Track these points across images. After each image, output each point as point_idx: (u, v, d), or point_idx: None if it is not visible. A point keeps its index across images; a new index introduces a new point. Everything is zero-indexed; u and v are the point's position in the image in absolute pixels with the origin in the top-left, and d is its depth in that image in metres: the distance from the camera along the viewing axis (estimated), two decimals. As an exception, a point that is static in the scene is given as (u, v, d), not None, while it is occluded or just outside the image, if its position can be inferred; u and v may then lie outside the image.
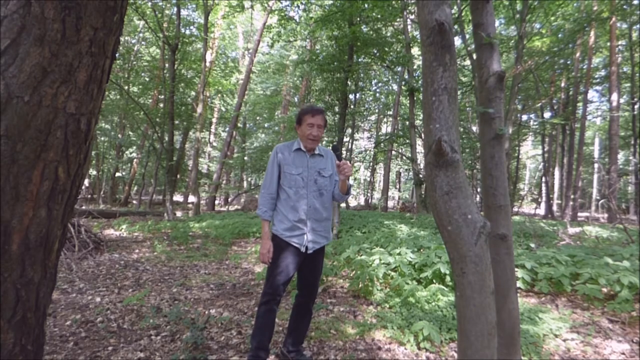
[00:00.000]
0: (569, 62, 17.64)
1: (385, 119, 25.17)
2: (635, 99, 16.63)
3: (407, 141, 14.49)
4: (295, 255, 2.22)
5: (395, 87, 18.73)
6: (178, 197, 21.07)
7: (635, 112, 16.65)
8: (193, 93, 16.40)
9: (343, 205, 18.31)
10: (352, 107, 14.59)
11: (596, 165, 24.71)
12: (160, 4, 13.84)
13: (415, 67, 12.80)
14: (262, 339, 2.19)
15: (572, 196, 17.23)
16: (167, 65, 13.79)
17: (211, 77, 15.92)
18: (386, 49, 10.59)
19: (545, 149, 20.18)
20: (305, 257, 2.26)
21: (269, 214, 2.26)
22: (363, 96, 18.70)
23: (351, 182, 2.33)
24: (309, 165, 2.29)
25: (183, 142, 17.46)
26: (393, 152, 19.51)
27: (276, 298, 2.21)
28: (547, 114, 19.92)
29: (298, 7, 11.42)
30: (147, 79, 17.01)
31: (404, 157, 20.52)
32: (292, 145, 2.32)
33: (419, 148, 17.15)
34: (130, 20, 16.00)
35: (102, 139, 19.08)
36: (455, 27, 10.12)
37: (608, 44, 15.77)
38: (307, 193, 2.25)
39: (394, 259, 4.16)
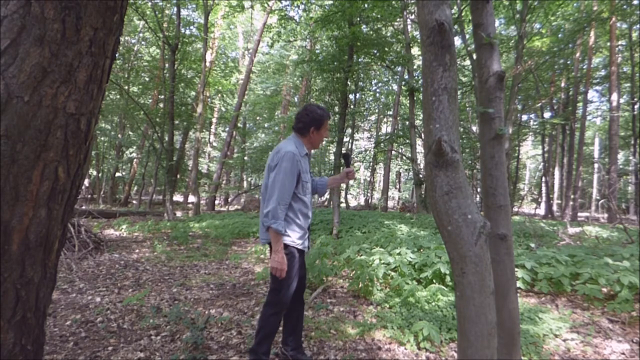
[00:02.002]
0: (569, 62, 17.63)
1: (385, 119, 25.18)
2: (635, 99, 16.63)
3: (407, 141, 14.49)
4: (303, 259, 2.27)
5: (395, 87, 18.74)
6: (178, 197, 21.07)
7: (635, 112, 16.65)
8: (193, 93, 16.41)
9: (343, 205, 18.31)
10: (352, 107, 14.59)
11: (596, 165, 24.72)
12: (160, 4, 13.85)
13: (415, 67, 12.79)
14: (269, 345, 2.20)
15: (572, 196, 17.23)
16: (167, 65, 13.80)
17: (211, 77, 15.92)
18: (386, 49, 10.58)
19: (545, 149, 20.18)
20: None
21: (284, 227, 2.09)
22: (363, 96, 18.71)
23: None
24: (309, 169, 2.32)
25: (183, 142, 17.46)
26: (393, 152, 19.52)
27: (286, 307, 2.23)
28: (547, 114, 19.92)
29: (298, 7, 11.41)
30: (147, 79, 17.01)
31: (404, 157, 20.54)
32: (299, 149, 2.19)
33: (419, 148, 17.16)
34: (130, 20, 16.00)
35: (102, 139, 19.09)
36: (455, 27, 10.12)
37: (608, 44, 15.77)
38: (310, 197, 2.28)
39: (394, 259, 4.16)
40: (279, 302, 2.16)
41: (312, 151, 2.51)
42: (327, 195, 23.59)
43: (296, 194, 2.15)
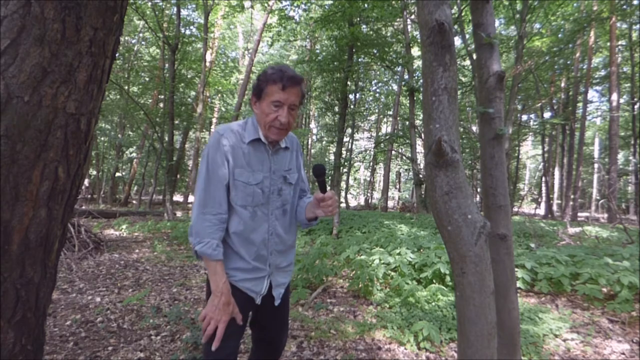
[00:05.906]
0: (569, 62, 17.65)
1: (385, 119, 25.20)
2: (635, 99, 16.63)
3: (407, 141, 14.49)
4: (248, 306, 1.38)
5: (395, 87, 18.75)
6: (178, 197, 21.07)
7: (635, 112, 16.65)
8: (193, 93, 16.41)
9: (343, 205, 18.29)
10: (352, 107, 14.61)
11: (596, 165, 24.72)
12: (160, 4, 13.84)
13: (415, 67, 12.79)
14: None
15: (572, 196, 17.24)
16: (167, 65, 13.81)
17: (211, 77, 15.92)
18: (386, 49, 10.60)
19: (545, 149, 20.19)
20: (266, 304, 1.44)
21: (221, 251, 1.27)
22: (363, 96, 18.73)
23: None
24: (272, 167, 1.37)
25: (183, 142, 17.46)
26: (393, 152, 19.52)
27: None
28: (547, 114, 19.94)
29: (298, 7, 11.42)
30: (147, 79, 17.01)
31: (404, 157, 20.54)
32: (245, 131, 1.35)
33: (419, 148, 17.17)
34: (130, 20, 16.01)
35: (102, 139, 19.09)
36: (455, 27, 10.11)
37: (608, 44, 15.78)
38: (268, 213, 1.37)
39: (394, 259, 4.16)
40: None
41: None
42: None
43: (230, 202, 1.32)
